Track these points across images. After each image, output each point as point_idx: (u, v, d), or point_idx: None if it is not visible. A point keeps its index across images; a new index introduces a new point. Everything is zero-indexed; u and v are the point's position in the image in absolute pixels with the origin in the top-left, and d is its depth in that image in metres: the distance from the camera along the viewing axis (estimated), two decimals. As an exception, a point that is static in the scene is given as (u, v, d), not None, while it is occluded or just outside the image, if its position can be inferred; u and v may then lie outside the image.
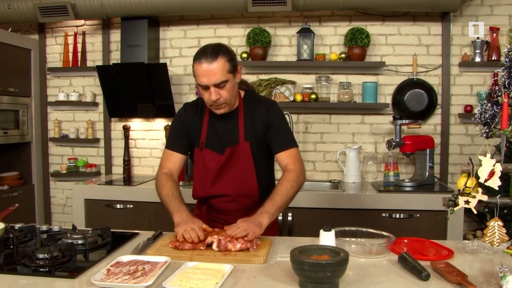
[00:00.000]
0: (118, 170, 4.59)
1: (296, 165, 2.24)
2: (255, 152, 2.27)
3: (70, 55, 4.60)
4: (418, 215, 3.43)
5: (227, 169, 2.27)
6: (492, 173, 1.69)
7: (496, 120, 1.81)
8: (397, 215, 3.46)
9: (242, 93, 2.36)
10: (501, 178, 1.69)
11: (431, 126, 4.12)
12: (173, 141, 2.37)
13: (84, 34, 4.59)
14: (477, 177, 1.71)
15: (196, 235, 1.92)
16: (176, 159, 2.36)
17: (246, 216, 2.08)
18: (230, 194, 2.28)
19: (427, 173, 3.69)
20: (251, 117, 2.28)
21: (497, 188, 1.67)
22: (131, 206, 3.78)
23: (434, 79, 4.10)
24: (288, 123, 2.42)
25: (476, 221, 3.92)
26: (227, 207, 2.32)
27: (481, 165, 1.68)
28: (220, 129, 2.29)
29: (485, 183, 1.69)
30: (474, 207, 1.73)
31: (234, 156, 2.26)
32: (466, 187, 1.75)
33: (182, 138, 2.36)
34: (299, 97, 4.05)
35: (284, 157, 2.27)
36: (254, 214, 2.06)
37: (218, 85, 2.09)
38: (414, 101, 4.05)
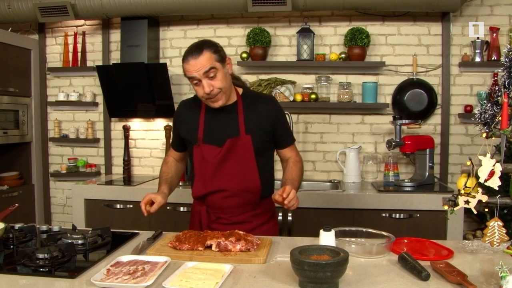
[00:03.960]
0: (118, 170, 4.59)
1: (299, 156, 2.47)
2: (256, 145, 2.28)
3: (70, 55, 4.60)
4: (418, 215, 3.43)
5: (227, 161, 2.26)
6: (492, 173, 1.69)
7: (496, 120, 1.81)
8: (397, 215, 3.46)
9: (240, 90, 2.38)
10: (501, 178, 1.70)
11: (431, 126, 4.12)
12: (172, 139, 2.57)
13: (84, 34, 4.59)
14: (477, 177, 1.71)
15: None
16: (175, 154, 2.58)
17: (246, 213, 2.31)
18: (230, 188, 2.27)
19: (427, 173, 3.69)
20: (253, 111, 2.31)
21: (497, 188, 1.67)
22: (131, 206, 3.78)
23: (434, 79, 4.10)
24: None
25: (476, 221, 3.92)
26: (227, 204, 2.30)
27: (481, 165, 1.68)
28: (218, 124, 2.29)
29: (485, 183, 1.69)
30: (474, 207, 1.73)
31: (234, 149, 2.25)
32: (466, 187, 1.75)
33: (176, 138, 2.50)
34: (299, 97, 4.05)
35: (288, 151, 2.44)
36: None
37: (208, 75, 2.12)
38: (414, 101, 4.05)
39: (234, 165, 2.26)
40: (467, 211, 1.77)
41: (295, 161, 2.42)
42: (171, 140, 2.60)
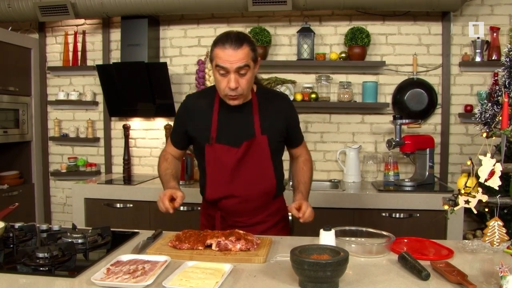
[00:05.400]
0: (118, 169, 4.59)
1: (309, 154, 2.48)
2: (272, 146, 2.23)
3: (70, 54, 4.60)
4: (418, 215, 3.43)
5: (243, 164, 2.18)
6: (492, 173, 1.69)
7: (496, 120, 1.81)
8: (397, 215, 3.46)
9: (255, 87, 2.28)
10: (501, 177, 1.70)
11: (431, 126, 4.12)
12: (174, 136, 2.39)
13: (84, 33, 4.59)
14: (477, 177, 1.71)
15: (162, 206, 2.07)
16: (175, 152, 2.41)
17: (262, 214, 2.26)
18: (245, 194, 2.20)
19: (427, 173, 3.69)
20: (268, 111, 2.24)
21: (497, 188, 1.67)
22: (131, 205, 3.78)
23: (434, 79, 4.10)
24: None
25: (476, 221, 3.92)
26: (242, 208, 2.24)
27: (481, 164, 1.68)
28: (232, 122, 2.20)
29: (485, 183, 1.69)
30: (474, 207, 1.73)
31: (250, 150, 2.18)
32: (466, 186, 1.75)
33: (181, 135, 2.33)
34: (299, 97, 4.04)
35: (299, 149, 2.45)
36: (299, 198, 2.24)
37: (240, 71, 2.03)
38: (414, 100, 4.05)
39: (251, 167, 2.20)
40: (467, 210, 1.77)
41: (306, 160, 2.43)
42: (170, 136, 2.43)
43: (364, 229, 2.09)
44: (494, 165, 1.68)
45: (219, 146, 2.18)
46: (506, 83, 1.84)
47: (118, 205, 3.81)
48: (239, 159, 2.17)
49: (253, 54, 2.08)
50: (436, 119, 4.12)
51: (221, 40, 2.04)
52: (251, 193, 2.22)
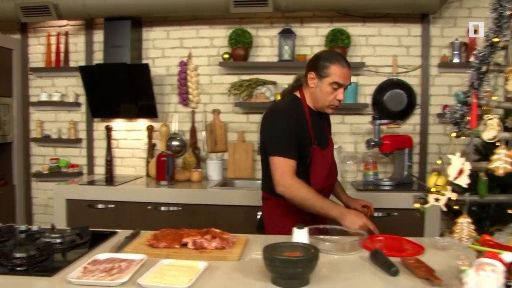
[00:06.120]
0: (100, 170, 4.59)
1: None
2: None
3: (53, 55, 4.58)
4: (396, 214, 3.48)
5: (331, 163, 2.54)
6: (461, 171, 1.75)
7: (466, 120, 1.86)
8: (376, 214, 3.49)
9: None
10: (470, 176, 1.75)
11: (410, 126, 4.18)
12: (293, 149, 2.30)
13: (67, 34, 4.58)
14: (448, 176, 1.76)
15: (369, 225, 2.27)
16: (295, 167, 2.31)
17: None
18: (330, 186, 2.58)
19: (405, 172, 3.76)
20: (326, 119, 2.64)
21: (465, 186, 1.73)
22: (113, 206, 3.78)
23: (413, 80, 4.16)
24: None
25: (454, 219, 3.97)
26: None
27: (450, 163, 1.73)
28: (318, 128, 2.48)
29: (454, 181, 1.75)
30: (445, 205, 1.79)
31: (331, 152, 2.57)
32: (436, 185, 1.80)
33: (296, 145, 2.32)
34: (280, 98, 4.07)
35: None
36: (347, 197, 2.78)
37: (346, 87, 2.42)
38: (394, 101, 4.11)
39: (333, 165, 2.57)
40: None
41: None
42: (285, 153, 2.28)
43: (338, 227, 2.14)
44: (462, 164, 1.74)
45: (317, 148, 2.43)
46: (475, 84, 1.89)
47: (99, 206, 3.80)
48: (331, 159, 2.55)
49: None
50: (415, 119, 4.18)
51: (338, 60, 2.37)
52: (332, 186, 2.62)
